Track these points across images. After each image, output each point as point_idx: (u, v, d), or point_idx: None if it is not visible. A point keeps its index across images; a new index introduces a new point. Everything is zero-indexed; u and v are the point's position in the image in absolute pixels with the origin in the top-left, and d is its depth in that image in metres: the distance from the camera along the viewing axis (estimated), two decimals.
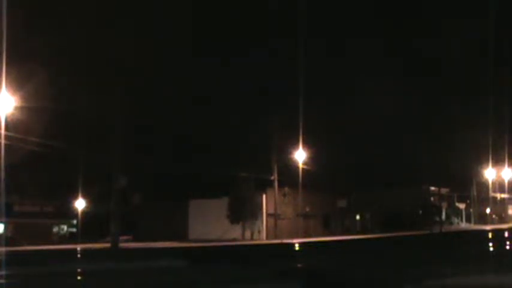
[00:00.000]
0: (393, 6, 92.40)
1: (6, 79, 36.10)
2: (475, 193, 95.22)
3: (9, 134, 40.77)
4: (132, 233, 66.36)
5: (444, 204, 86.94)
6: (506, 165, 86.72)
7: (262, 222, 64.31)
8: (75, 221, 73.69)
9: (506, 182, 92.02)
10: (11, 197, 59.51)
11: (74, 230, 74.30)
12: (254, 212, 62.97)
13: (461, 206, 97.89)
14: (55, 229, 71.82)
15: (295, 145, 60.52)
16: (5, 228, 61.95)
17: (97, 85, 54.35)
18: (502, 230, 60.50)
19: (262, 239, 62.63)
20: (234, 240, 59.49)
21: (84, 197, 70.53)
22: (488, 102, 74.02)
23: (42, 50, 51.19)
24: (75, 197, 70.17)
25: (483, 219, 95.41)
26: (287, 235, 58.30)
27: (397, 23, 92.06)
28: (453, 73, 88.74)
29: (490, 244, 39.68)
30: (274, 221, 61.47)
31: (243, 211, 62.30)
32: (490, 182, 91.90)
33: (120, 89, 46.53)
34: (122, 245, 48.96)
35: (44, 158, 56.35)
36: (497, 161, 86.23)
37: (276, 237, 57.91)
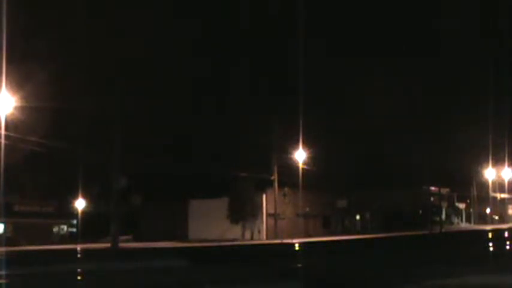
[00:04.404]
0: (392, 6, 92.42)
1: (6, 79, 36.14)
2: (475, 193, 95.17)
3: (9, 134, 40.78)
4: (132, 233, 66.36)
5: (444, 204, 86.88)
6: (506, 165, 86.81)
7: (262, 222, 64.28)
8: (75, 221, 73.65)
9: (506, 182, 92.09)
10: (11, 197, 59.50)
11: (74, 230, 74.26)
12: (254, 212, 62.94)
13: (461, 206, 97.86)
14: (55, 229, 71.73)
15: (295, 145, 60.51)
16: (5, 228, 61.94)
17: (97, 85, 54.39)
18: (502, 230, 60.51)
19: (262, 239, 62.62)
20: (234, 240, 59.46)
21: (84, 197, 70.50)
22: (488, 102, 74.17)
23: (42, 50, 51.23)
24: (75, 197, 70.14)
25: (483, 219, 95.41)
26: (287, 235, 58.24)
27: (396, 22, 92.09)
28: (453, 73, 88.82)
29: (490, 244, 39.68)
30: (274, 221, 61.44)
31: (243, 211, 62.27)
32: (490, 182, 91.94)
33: (120, 89, 46.48)
34: (122, 245, 48.92)
35: (44, 158, 56.37)
36: (497, 161, 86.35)
37: (276, 237, 57.88)
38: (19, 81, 40.05)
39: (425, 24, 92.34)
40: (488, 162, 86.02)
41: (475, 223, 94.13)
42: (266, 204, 64.32)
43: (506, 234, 53.43)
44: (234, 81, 78.61)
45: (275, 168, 60.68)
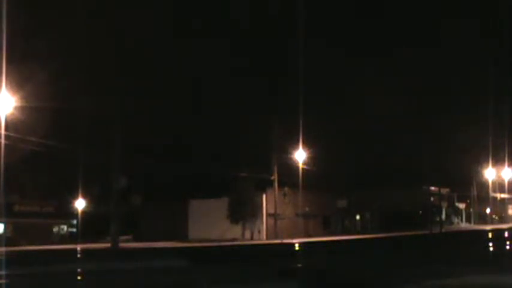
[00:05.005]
0: (392, 6, 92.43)
1: (6, 79, 36.14)
2: (475, 193, 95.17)
3: (9, 134, 40.78)
4: (132, 233, 66.38)
5: (444, 204, 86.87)
6: (506, 165, 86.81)
7: (262, 222, 64.27)
8: (75, 221, 73.67)
9: (506, 182, 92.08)
10: (11, 197, 59.51)
11: (74, 230, 74.28)
12: (254, 212, 62.92)
13: (461, 206, 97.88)
14: (55, 229, 71.75)
15: (295, 145, 60.51)
16: (5, 228, 61.94)
17: (97, 85, 54.41)
18: (502, 230, 60.52)
19: (262, 239, 62.61)
20: (234, 240, 59.47)
21: (84, 197, 70.52)
22: (488, 102, 74.21)
23: (42, 50, 51.24)
24: (75, 197, 70.15)
25: (483, 219, 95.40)
26: (287, 235, 58.25)
27: (396, 22, 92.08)
28: (453, 73, 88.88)
29: (490, 244, 39.69)
30: (274, 221, 61.45)
31: (243, 211, 62.26)
32: (490, 182, 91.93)
33: (120, 89, 46.50)
34: (122, 245, 48.94)
35: (44, 158, 56.38)
36: (497, 161, 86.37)
37: (276, 237, 57.88)
38: (19, 81, 40.06)
39: (426, 24, 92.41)
40: (488, 162, 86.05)
41: (475, 223, 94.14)
42: (266, 204, 64.32)
43: (506, 234, 53.43)
44: (234, 81, 78.67)
45: (275, 168, 60.68)
